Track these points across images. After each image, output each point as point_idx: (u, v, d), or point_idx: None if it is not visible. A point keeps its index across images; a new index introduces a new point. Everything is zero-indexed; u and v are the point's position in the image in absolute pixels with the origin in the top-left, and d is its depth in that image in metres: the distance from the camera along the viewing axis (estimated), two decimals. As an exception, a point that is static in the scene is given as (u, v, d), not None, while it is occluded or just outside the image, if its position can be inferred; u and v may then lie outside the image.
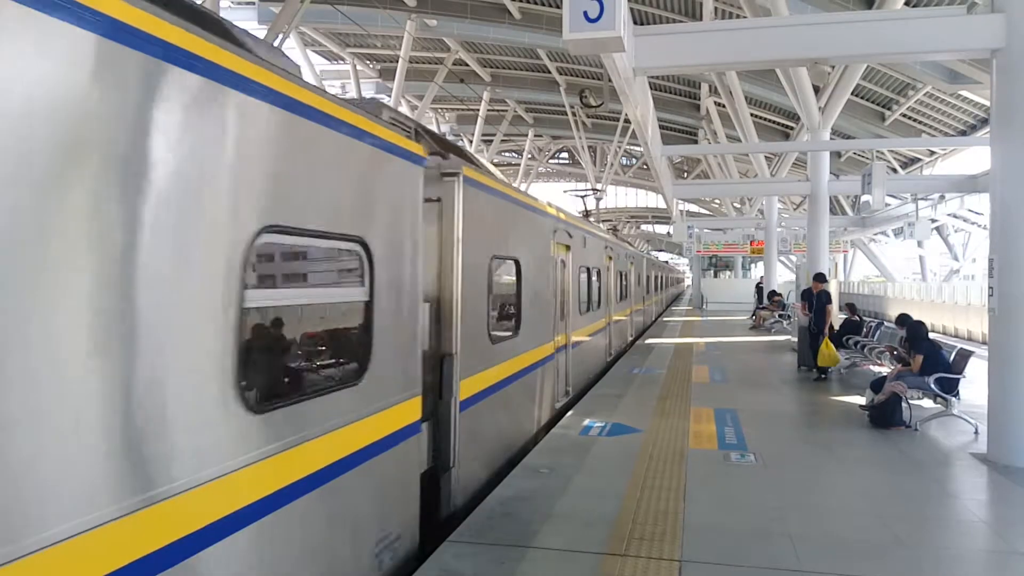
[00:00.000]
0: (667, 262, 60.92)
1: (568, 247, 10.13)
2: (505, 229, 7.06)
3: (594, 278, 12.73)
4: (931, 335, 9.54)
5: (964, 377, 8.61)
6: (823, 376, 12.33)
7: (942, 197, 26.86)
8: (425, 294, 4.92)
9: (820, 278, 12.93)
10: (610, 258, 14.90)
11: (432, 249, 5.35)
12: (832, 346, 12.03)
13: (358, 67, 32.34)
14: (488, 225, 6.44)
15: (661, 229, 77.63)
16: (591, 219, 19.21)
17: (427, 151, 5.02)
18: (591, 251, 12.27)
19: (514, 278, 7.37)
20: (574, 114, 38.79)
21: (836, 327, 12.98)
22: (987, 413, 7.24)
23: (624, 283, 17.71)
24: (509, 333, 7.18)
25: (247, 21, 24.86)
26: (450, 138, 43.05)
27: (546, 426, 8.57)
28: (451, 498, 5.41)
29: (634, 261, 20.70)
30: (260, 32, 21.28)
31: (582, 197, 22.10)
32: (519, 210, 7.56)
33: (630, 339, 19.32)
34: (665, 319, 30.01)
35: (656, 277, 32.57)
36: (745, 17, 15.91)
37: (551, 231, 8.99)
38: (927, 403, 8.98)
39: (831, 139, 18.76)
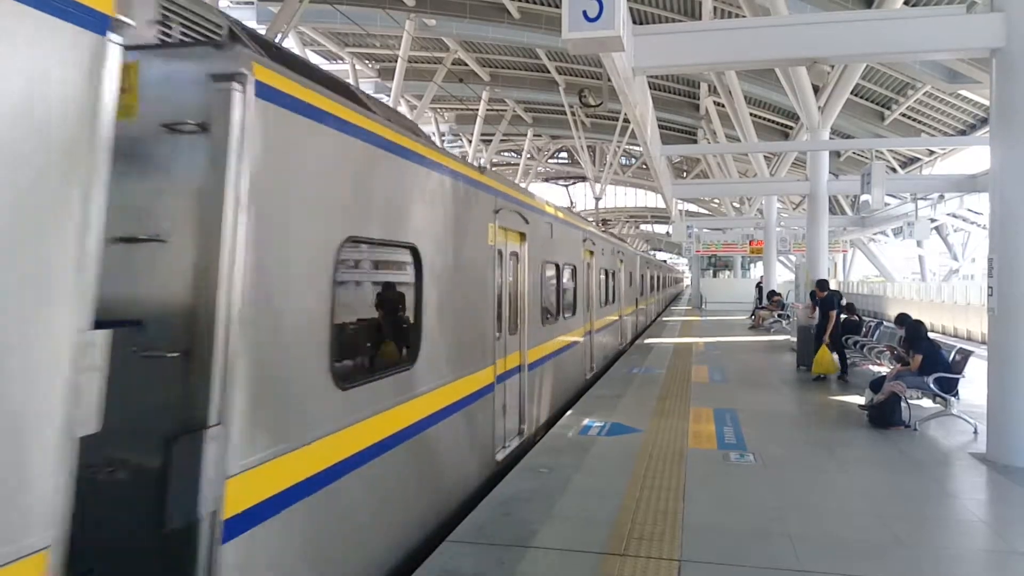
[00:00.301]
0: (664, 261, 59.75)
1: (523, 235, 7.88)
2: (380, 196, 4.36)
3: (567, 277, 10.57)
4: (930, 335, 9.54)
5: (963, 377, 8.61)
6: (822, 376, 12.32)
7: (941, 197, 26.96)
8: (116, 308, 2.70)
9: (822, 285, 12.89)
10: (591, 253, 12.67)
11: (184, 219, 2.92)
12: (828, 354, 12.01)
13: (357, 67, 32.33)
14: (334, 184, 3.81)
15: (660, 229, 77.64)
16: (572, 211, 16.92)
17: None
18: (562, 243, 10.02)
19: (409, 275, 4.91)
20: (573, 114, 38.79)
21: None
22: (986, 413, 7.24)
23: (612, 284, 15.80)
24: (390, 365, 4.62)
25: (246, 20, 24.83)
26: (448, 138, 43.27)
27: (475, 494, 6.04)
28: None
29: (625, 258, 18.50)
30: (259, 32, 21.26)
31: (566, 187, 20.71)
32: (413, 169, 4.82)
33: (620, 347, 17.57)
34: (664, 319, 30.01)
35: (652, 277, 30.53)
36: (744, 16, 15.93)
37: (490, 210, 6.58)
38: (926, 403, 8.98)
39: (830, 138, 18.79)
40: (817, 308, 12.65)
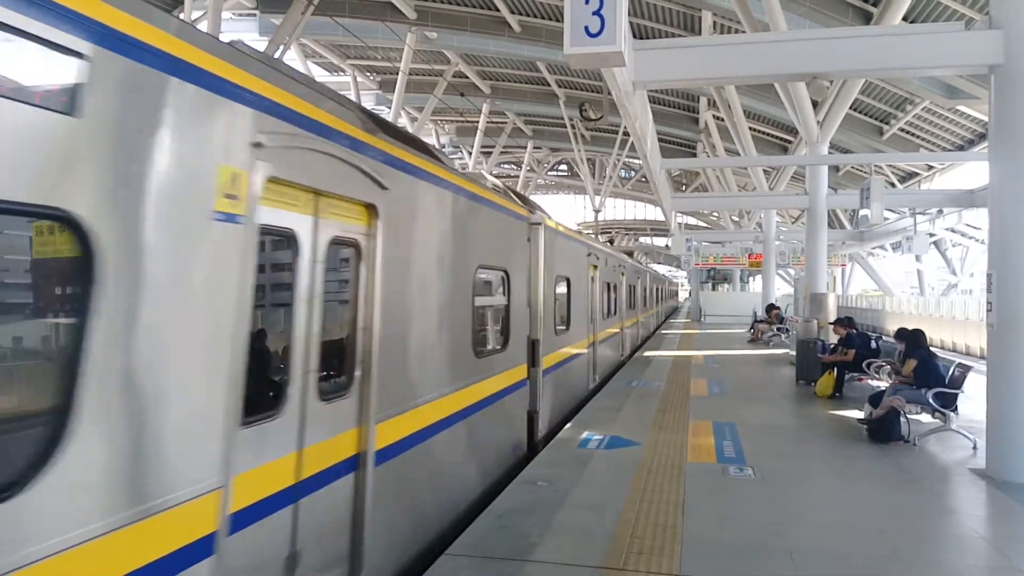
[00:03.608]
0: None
1: (371, 208, 4.35)
2: None
3: (491, 291, 7.09)
4: (930, 348, 9.53)
5: (963, 392, 8.60)
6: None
7: (940, 212, 27.01)
8: None
9: (839, 323, 13.00)
10: (543, 254, 8.68)
11: None
12: (832, 377, 12.01)
13: (358, 79, 32.50)
14: None
15: (660, 241, 77.80)
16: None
17: None
18: (478, 233, 6.37)
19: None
20: (573, 127, 38.98)
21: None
22: (986, 428, 7.23)
23: (584, 300, 11.91)
24: None
25: (248, 33, 25.03)
26: (449, 150, 43.49)
27: None
28: None
29: (605, 266, 14.39)
30: (261, 44, 21.43)
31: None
32: None
33: (593, 386, 12.88)
34: (663, 331, 29.99)
35: (646, 290, 26.18)
36: (744, 32, 16.02)
37: (240, 141, 3.15)
38: (925, 418, 8.96)
39: (829, 153, 18.86)
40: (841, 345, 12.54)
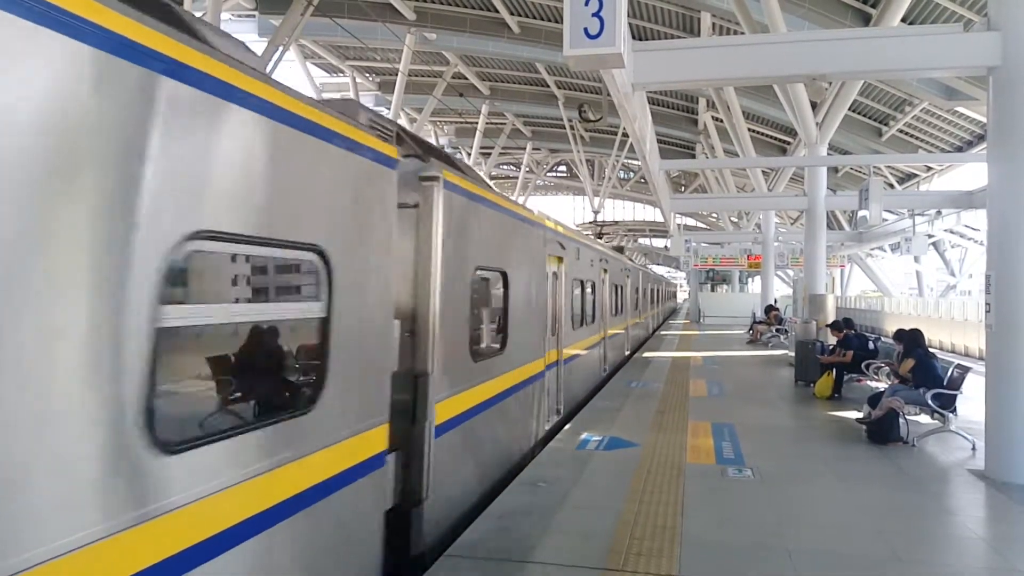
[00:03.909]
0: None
1: None
2: None
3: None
4: (930, 350, 9.53)
5: (961, 393, 8.61)
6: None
7: (939, 213, 27.03)
8: None
9: (835, 326, 13.05)
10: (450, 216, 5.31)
11: None
12: (832, 378, 12.02)
13: (357, 80, 32.52)
14: None
15: (659, 242, 77.81)
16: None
17: None
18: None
19: None
20: (572, 128, 39.01)
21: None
22: (984, 429, 7.24)
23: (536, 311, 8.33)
24: None
25: (247, 33, 25.05)
26: (448, 150, 43.47)
27: None
28: None
29: (569, 257, 10.33)
30: (260, 45, 21.45)
31: None
32: None
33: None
34: (662, 332, 30.00)
35: (635, 292, 21.24)
36: (743, 33, 16.03)
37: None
38: (924, 419, 8.97)
39: (828, 154, 18.87)
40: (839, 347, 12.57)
